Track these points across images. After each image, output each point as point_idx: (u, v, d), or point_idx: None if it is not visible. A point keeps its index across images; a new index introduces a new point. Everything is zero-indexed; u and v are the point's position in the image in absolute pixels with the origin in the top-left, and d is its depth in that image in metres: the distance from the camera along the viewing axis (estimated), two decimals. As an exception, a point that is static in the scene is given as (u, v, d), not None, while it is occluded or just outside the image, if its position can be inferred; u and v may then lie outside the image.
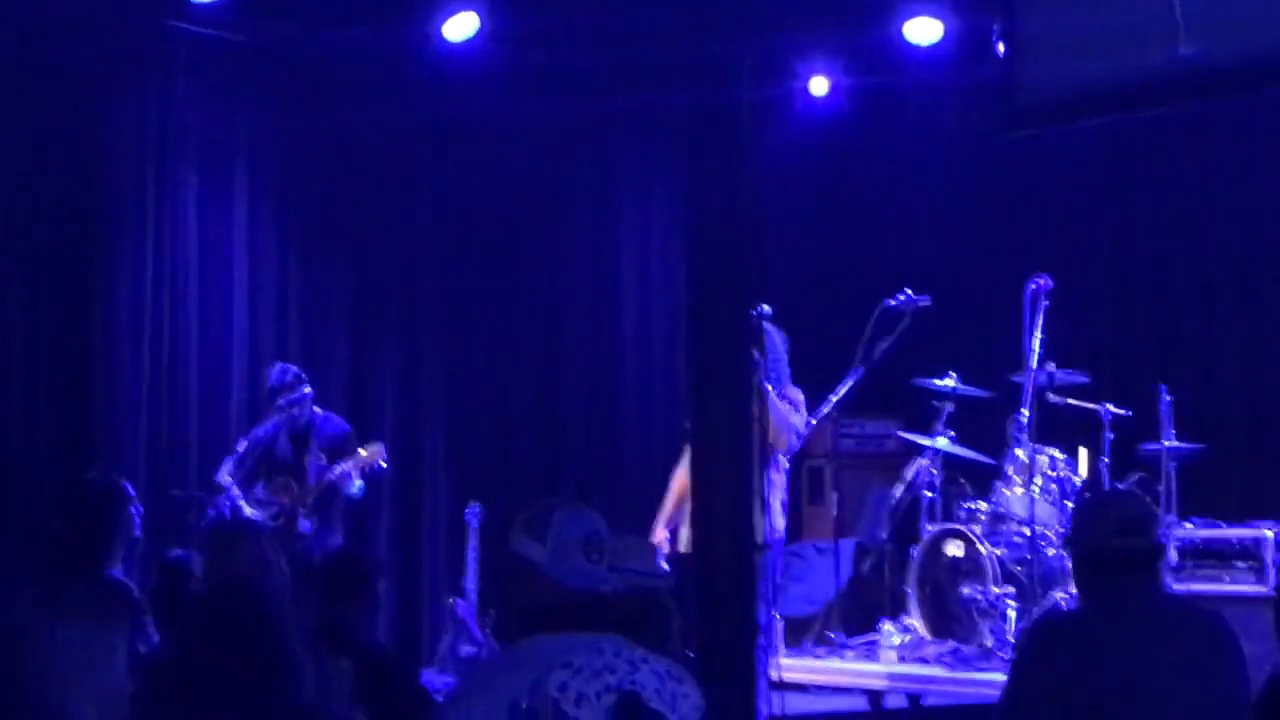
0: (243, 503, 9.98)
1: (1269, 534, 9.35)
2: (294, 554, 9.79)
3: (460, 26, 10.89)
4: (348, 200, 11.78)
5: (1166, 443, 9.64)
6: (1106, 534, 4.99)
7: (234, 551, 5.98)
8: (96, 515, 6.87)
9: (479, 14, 10.88)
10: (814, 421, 10.24)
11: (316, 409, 10.23)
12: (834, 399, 10.08)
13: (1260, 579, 9.27)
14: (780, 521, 8.99)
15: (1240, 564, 9.39)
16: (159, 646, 6.28)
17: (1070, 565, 5.40)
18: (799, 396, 9.16)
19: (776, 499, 8.96)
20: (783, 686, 8.90)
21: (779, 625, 9.59)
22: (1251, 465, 10.72)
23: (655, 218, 12.90)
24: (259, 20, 10.86)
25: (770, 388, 8.95)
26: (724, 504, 9.14)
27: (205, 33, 10.84)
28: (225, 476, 10.07)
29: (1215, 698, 4.88)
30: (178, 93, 11.05)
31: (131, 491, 7.14)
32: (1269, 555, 9.26)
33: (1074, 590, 9.35)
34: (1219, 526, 9.65)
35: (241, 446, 10.17)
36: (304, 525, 9.91)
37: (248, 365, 11.20)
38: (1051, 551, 9.63)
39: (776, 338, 9.26)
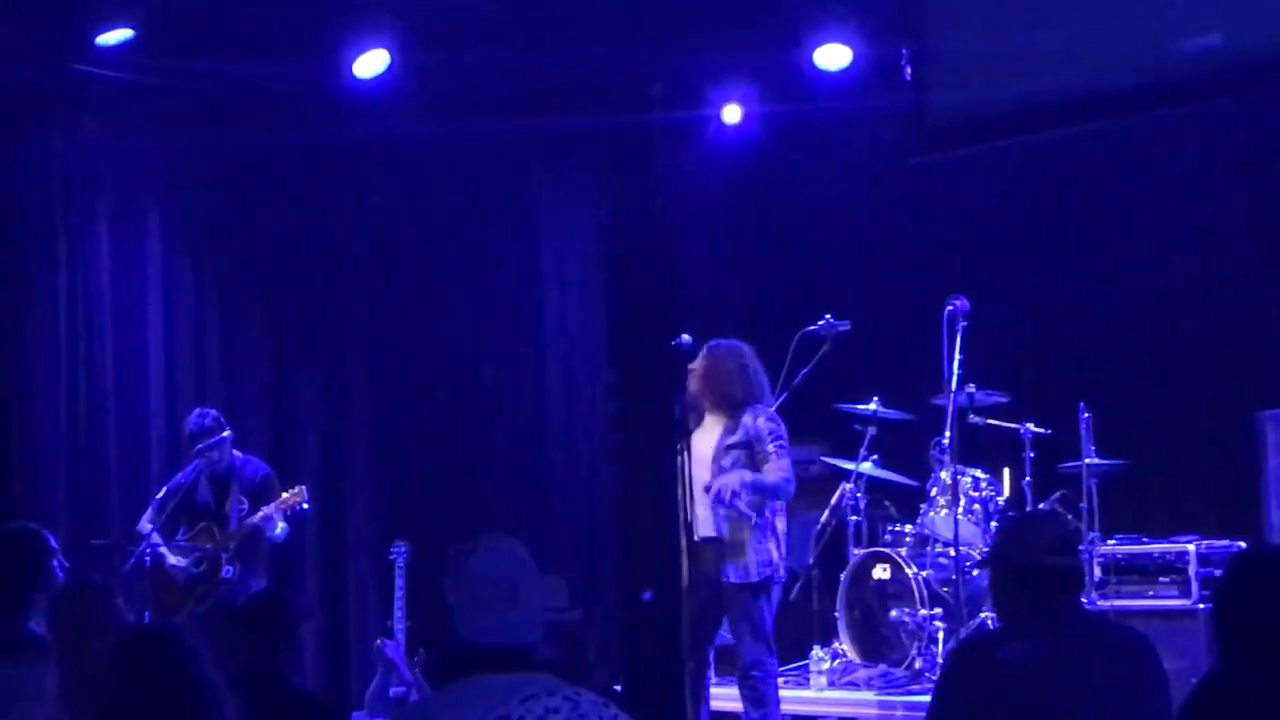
0: (164, 550, 9.89)
1: (1191, 548, 9.41)
2: (217, 600, 9.75)
3: (370, 64, 10.87)
4: (264, 238, 11.70)
5: (1087, 460, 9.69)
6: (1038, 553, 5.00)
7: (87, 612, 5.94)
8: (17, 568, 6.76)
9: (389, 51, 10.87)
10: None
11: (236, 452, 10.16)
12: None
13: (1184, 593, 9.33)
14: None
15: (1164, 579, 9.44)
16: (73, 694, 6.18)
17: (990, 584, 5.39)
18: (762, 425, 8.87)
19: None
20: (714, 717, 8.91)
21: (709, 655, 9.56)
22: (1172, 480, 10.78)
23: (576, 245, 12.87)
24: (165, 60, 10.77)
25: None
26: (648, 535, 9.13)
27: (111, 75, 10.76)
28: (146, 524, 9.99)
29: (1137, 714, 4.90)
30: (85, 135, 10.97)
31: (54, 544, 7.04)
32: (1192, 569, 9.31)
33: (994, 609, 9.43)
34: (1141, 542, 9.70)
35: (162, 493, 10.08)
36: (227, 571, 9.82)
37: (165, 408, 11.09)
38: (977, 572, 9.66)
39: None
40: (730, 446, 8.75)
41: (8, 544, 6.90)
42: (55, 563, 6.90)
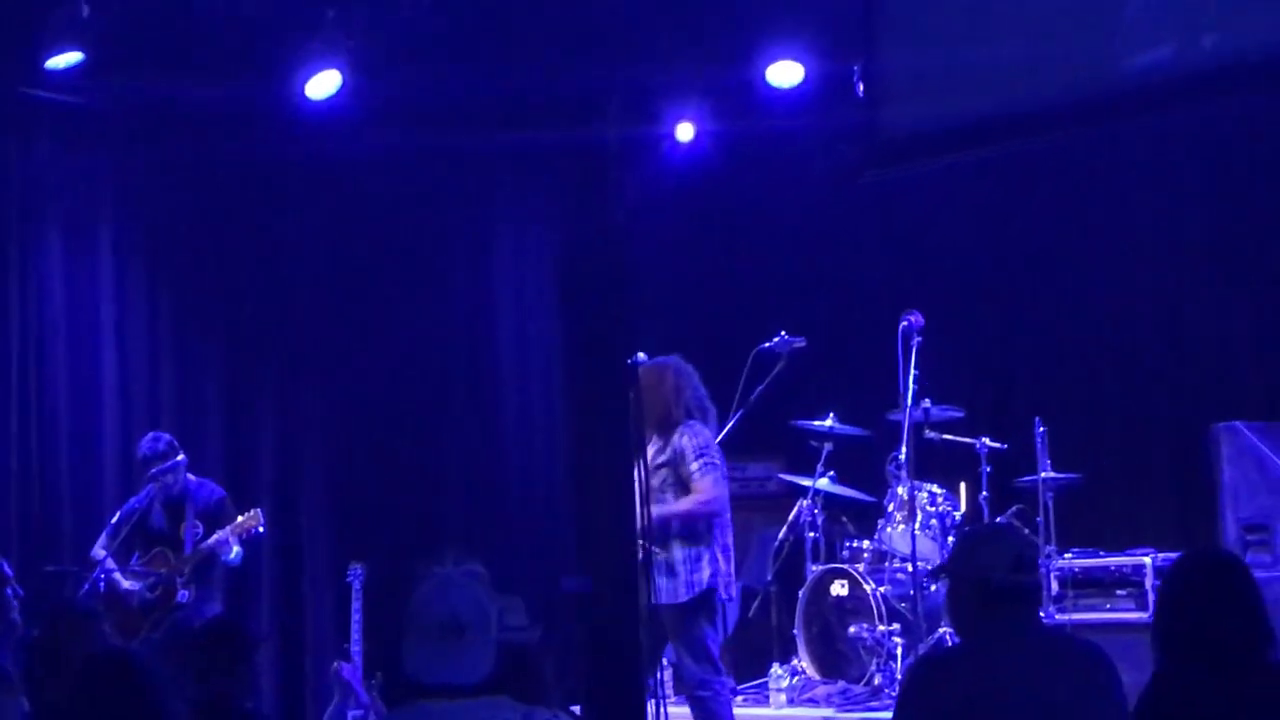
0: (119, 575, 9.83)
1: (1147, 560, 9.44)
2: (172, 624, 9.69)
3: (322, 85, 10.85)
4: (218, 259, 11.65)
5: (1043, 474, 9.71)
6: (997, 568, 5.00)
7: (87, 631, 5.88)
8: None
9: (341, 71, 10.84)
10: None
11: (191, 475, 10.11)
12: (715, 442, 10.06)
13: (1141, 606, 9.36)
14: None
15: (1121, 592, 9.47)
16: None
17: (948, 600, 5.38)
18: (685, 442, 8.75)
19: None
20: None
21: (667, 673, 9.54)
22: (1127, 493, 10.82)
23: (531, 262, 12.84)
24: (116, 82, 10.73)
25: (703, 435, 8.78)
26: (607, 553, 9.08)
27: (62, 98, 10.72)
28: (100, 550, 9.93)
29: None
30: (37, 158, 10.91)
31: (9, 572, 6.98)
32: (1148, 582, 9.34)
33: (950, 624, 9.43)
34: (1098, 555, 9.73)
35: (115, 518, 10.02)
36: (182, 595, 9.76)
37: (119, 432, 11.03)
38: (935, 587, 9.67)
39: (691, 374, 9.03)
40: (659, 466, 8.61)
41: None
42: (9, 590, 6.85)
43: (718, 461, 8.62)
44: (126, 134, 11.22)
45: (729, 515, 8.79)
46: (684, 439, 8.61)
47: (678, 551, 8.55)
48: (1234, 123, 10.59)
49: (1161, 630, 4.87)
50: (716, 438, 9.81)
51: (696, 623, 8.53)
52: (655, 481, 8.55)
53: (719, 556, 8.63)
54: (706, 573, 8.55)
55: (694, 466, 8.56)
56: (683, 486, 8.61)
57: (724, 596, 8.68)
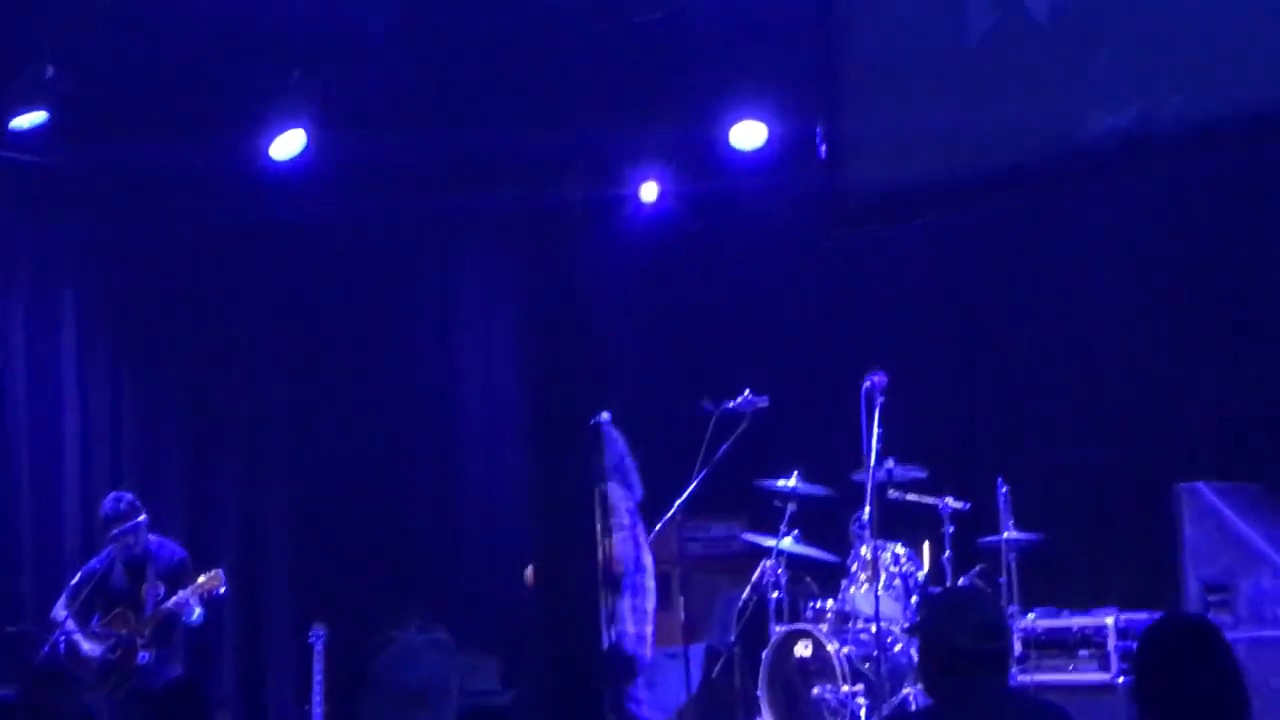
0: (79, 637, 9.77)
1: (1109, 621, 9.45)
2: (133, 686, 9.63)
3: (287, 145, 10.87)
4: (181, 319, 11.65)
5: (1006, 534, 9.72)
6: (963, 636, 5.00)
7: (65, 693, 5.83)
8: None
9: (305, 130, 10.87)
10: (659, 527, 10.26)
11: (152, 536, 10.06)
12: (678, 503, 10.07)
13: (1103, 667, 9.36)
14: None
15: (1084, 652, 9.47)
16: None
17: (917, 659, 5.39)
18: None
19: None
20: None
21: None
22: (1090, 554, 10.83)
23: (495, 324, 12.85)
24: (81, 144, 10.73)
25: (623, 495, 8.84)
26: (566, 613, 9.08)
27: (26, 159, 10.71)
28: (60, 610, 9.87)
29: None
30: (1, 219, 10.90)
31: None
32: (1111, 642, 9.35)
33: (921, 685, 9.41)
34: (1061, 616, 9.74)
35: (76, 578, 9.97)
36: (142, 656, 9.71)
37: (80, 493, 11.01)
38: (899, 647, 9.66)
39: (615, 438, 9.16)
40: None
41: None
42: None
43: (626, 522, 8.74)
44: (91, 195, 11.22)
45: (643, 577, 8.80)
46: (597, 501, 8.73)
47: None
48: (1196, 184, 10.67)
49: (1141, 697, 4.86)
50: (683, 496, 9.86)
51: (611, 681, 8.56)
52: None
53: (627, 616, 8.58)
54: (614, 630, 8.67)
55: (599, 527, 8.66)
56: None
57: (640, 657, 8.69)
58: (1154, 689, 4.82)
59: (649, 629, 8.84)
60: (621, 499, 8.76)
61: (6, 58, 10.14)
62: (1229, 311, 10.57)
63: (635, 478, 8.98)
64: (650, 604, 8.89)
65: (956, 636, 5.00)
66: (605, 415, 9.42)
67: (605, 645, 8.59)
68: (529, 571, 9.00)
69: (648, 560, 9.20)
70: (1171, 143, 10.62)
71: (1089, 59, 10.90)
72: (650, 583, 9.00)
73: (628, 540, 8.77)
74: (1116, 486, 10.88)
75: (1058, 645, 9.60)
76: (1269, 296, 10.41)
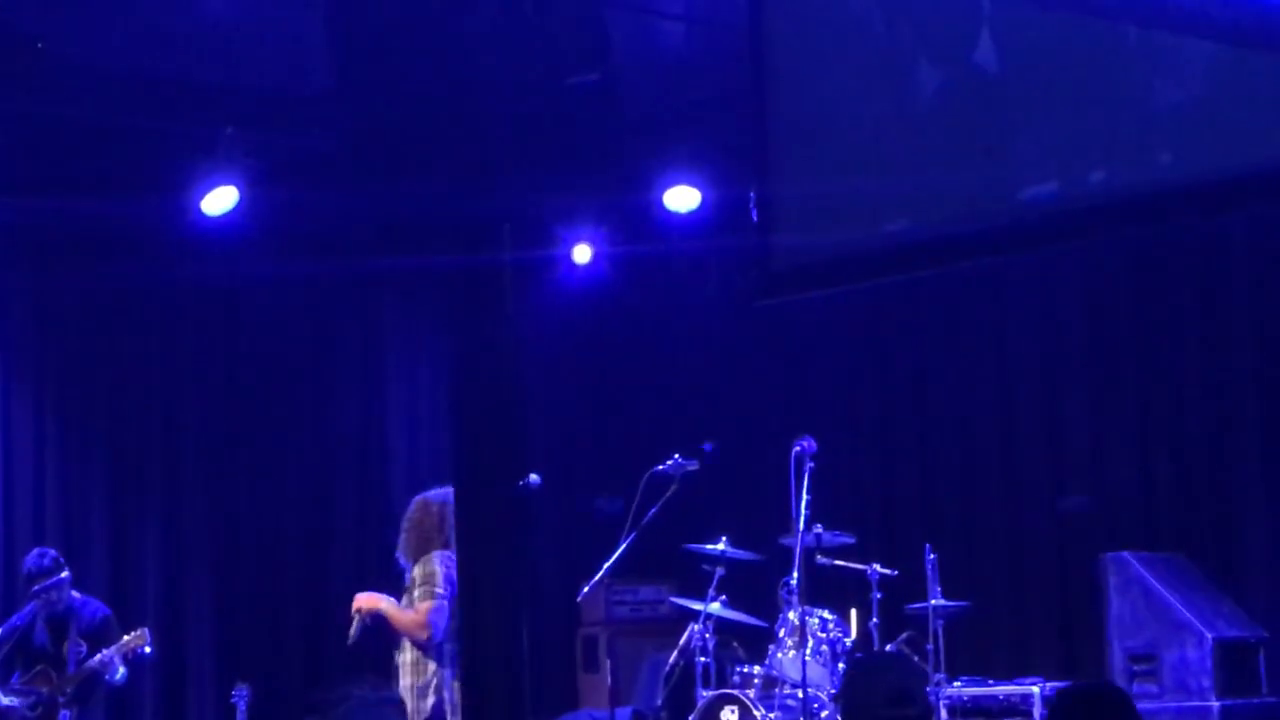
0: (-1, 694, 9.66)
1: (1035, 689, 9.47)
2: (52, 745, 9.52)
3: (219, 201, 10.84)
4: (105, 371, 11.59)
5: (933, 601, 9.74)
6: (876, 704, 5.01)
7: None
8: None
9: (238, 187, 10.84)
10: (586, 590, 10.24)
11: (75, 593, 9.97)
12: (607, 565, 10.05)
13: (1029, 735, 9.39)
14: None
15: (1008, 720, 9.51)
16: None
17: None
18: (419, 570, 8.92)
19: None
20: None
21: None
22: (1016, 622, 10.88)
23: (424, 384, 12.82)
24: (10, 193, 10.67)
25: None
26: (495, 680, 9.02)
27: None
28: (-20, 667, 9.76)
29: None
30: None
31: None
32: (1036, 711, 9.37)
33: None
34: (987, 684, 9.75)
35: (-4, 635, 9.87)
36: (63, 715, 9.62)
37: (2, 549, 10.88)
38: (825, 714, 9.64)
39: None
40: (406, 589, 8.94)
41: None
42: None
43: (442, 592, 8.74)
44: (17, 245, 11.14)
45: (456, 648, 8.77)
46: (422, 566, 8.85)
47: (405, 679, 8.74)
48: (1118, 255, 10.77)
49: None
50: (611, 559, 9.84)
51: None
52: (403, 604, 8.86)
53: (445, 685, 8.70)
54: (430, 701, 8.70)
55: (418, 592, 8.80)
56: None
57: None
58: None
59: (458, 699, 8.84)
60: (448, 568, 8.73)
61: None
62: (1150, 379, 10.65)
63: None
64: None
65: (870, 703, 5.02)
66: (534, 478, 9.39)
67: (428, 713, 8.66)
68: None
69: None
70: (1093, 214, 10.72)
71: (1020, 129, 11.00)
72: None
73: (442, 610, 8.76)
74: (1042, 554, 10.93)
75: (983, 713, 9.61)
76: (1189, 365, 10.52)
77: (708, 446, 9.79)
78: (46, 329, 11.37)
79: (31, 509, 11.18)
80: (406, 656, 8.80)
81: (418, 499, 9.06)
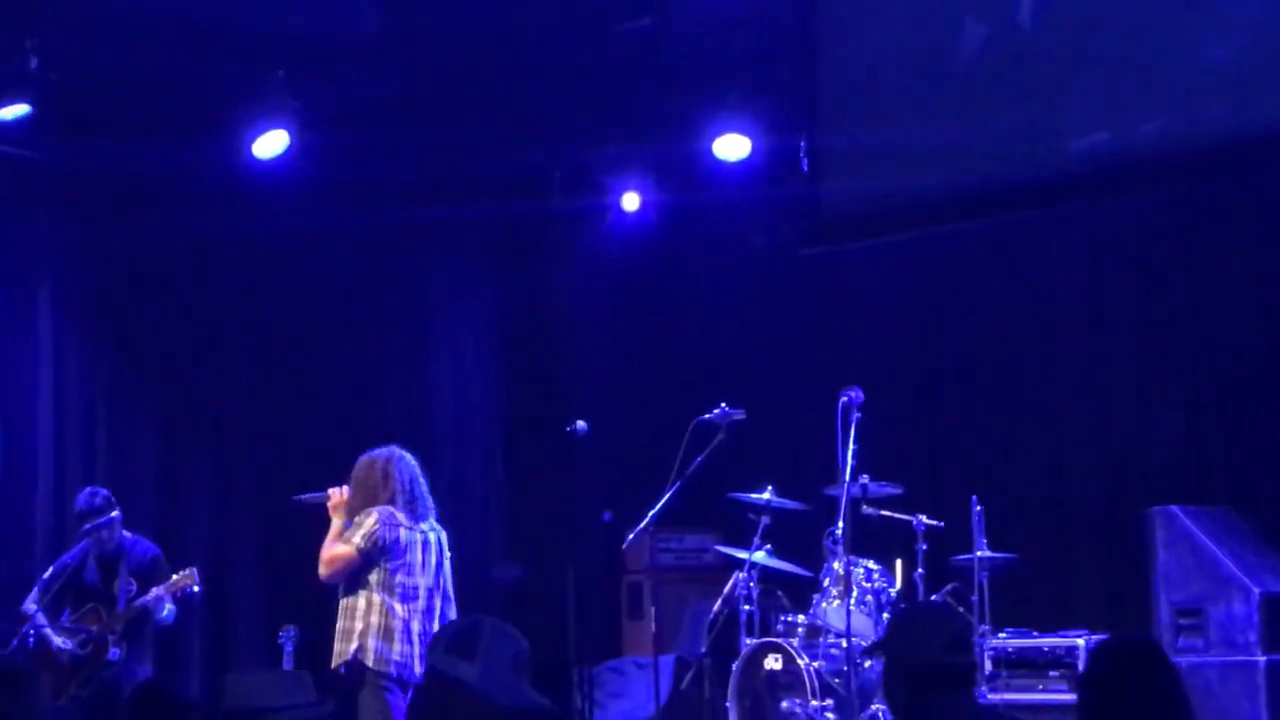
0: (49, 631, 9.73)
1: (1080, 642, 9.47)
2: (102, 682, 9.60)
3: (269, 144, 10.88)
4: (156, 316, 11.63)
5: (979, 553, 9.73)
6: (934, 649, 4.98)
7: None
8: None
9: (288, 131, 10.87)
10: (631, 537, 10.26)
11: (126, 532, 10.03)
12: (652, 513, 10.07)
13: (1073, 687, 9.35)
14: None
15: (1053, 673, 9.49)
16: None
17: (884, 679, 5.37)
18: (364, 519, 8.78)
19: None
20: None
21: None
22: (1062, 575, 10.86)
23: (470, 332, 12.85)
24: (63, 138, 10.72)
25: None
26: (542, 617, 9.07)
27: (8, 150, 10.69)
28: (31, 604, 9.84)
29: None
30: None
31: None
32: (1081, 663, 9.36)
33: (886, 704, 9.41)
34: (1032, 636, 9.75)
35: (48, 573, 9.94)
36: (113, 652, 9.68)
37: (54, 489, 10.97)
38: (868, 664, 9.66)
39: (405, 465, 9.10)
40: None
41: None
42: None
43: (362, 545, 8.62)
44: (71, 190, 11.20)
45: (388, 598, 8.68)
46: (361, 516, 8.73)
47: (340, 621, 8.67)
48: (1167, 208, 10.73)
49: (1085, 716, 4.85)
50: (656, 507, 9.86)
51: (359, 695, 8.54)
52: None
53: (371, 629, 8.59)
54: (352, 645, 8.56)
55: (345, 535, 8.70)
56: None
57: (392, 675, 8.58)
58: (1098, 709, 4.81)
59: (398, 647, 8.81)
60: (384, 526, 8.67)
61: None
62: (1199, 333, 10.61)
63: (424, 503, 8.97)
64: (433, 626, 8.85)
65: (926, 650, 4.98)
66: (580, 424, 9.43)
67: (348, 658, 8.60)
68: None
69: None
70: (1144, 166, 10.69)
71: (1069, 80, 10.96)
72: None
73: (349, 561, 8.64)
74: (1089, 507, 10.91)
75: (1028, 665, 9.62)
76: (1237, 318, 10.47)
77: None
78: (97, 272, 11.43)
79: (82, 450, 11.25)
80: (345, 600, 8.71)
81: (363, 458, 8.96)
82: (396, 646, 8.60)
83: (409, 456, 8.99)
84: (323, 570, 8.71)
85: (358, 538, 8.63)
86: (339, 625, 8.68)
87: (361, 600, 8.65)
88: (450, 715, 4.39)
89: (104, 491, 10.02)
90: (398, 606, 8.64)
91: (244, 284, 11.94)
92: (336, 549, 8.68)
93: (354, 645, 8.56)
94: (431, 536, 8.88)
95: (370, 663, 8.53)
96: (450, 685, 4.40)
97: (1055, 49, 11.01)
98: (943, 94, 11.42)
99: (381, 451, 8.97)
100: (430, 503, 8.97)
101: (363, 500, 8.85)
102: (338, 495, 8.92)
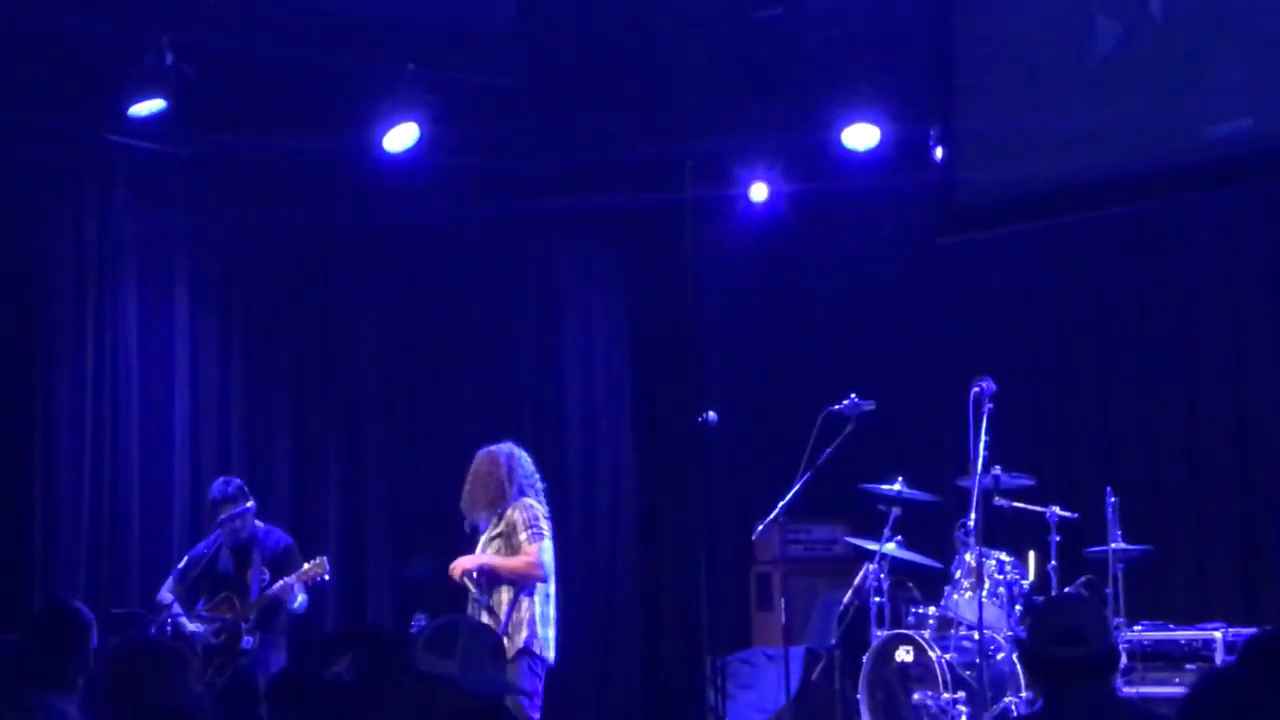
0: (184, 620, 9.85)
1: (1218, 635, 9.33)
2: (236, 670, 9.71)
3: (400, 137, 10.97)
4: (290, 308, 11.74)
5: (1113, 545, 9.62)
6: (1046, 643, 5.00)
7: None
8: (53, 644, 6.63)
9: (419, 124, 10.94)
10: (761, 528, 10.23)
11: (259, 522, 10.13)
12: (781, 504, 10.04)
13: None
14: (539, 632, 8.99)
15: (1190, 666, 9.36)
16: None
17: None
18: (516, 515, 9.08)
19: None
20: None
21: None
22: (1197, 566, 10.70)
23: (600, 322, 12.87)
24: (198, 132, 10.85)
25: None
26: (672, 607, 9.09)
27: (143, 145, 10.84)
28: (166, 594, 9.97)
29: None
30: (117, 205, 11.03)
31: (91, 617, 6.93)
32: (1219, 657, 9.23)
33: (1025, 694, 9.35)
34: (1167, 628, 9.63)
35: (183, 562, 10.06)
36: (246, 641, 9.78)
37: (189, 479, 11.10)
38: (1001, 656, 9.59)
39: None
40: (494, 538, 9.10)
41: (49, 623, 6.79)
42: (95, 638, 6.81)
43: (545, 531, 9.04)
44: (206, 184, 11.33)
45: (556, 585, 9.11)
46: (515, 513, 9.06)
47: (482, 614, 8.88)
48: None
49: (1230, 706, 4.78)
50: (786, 498, 9.85)
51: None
52: (489, 551, 9.08)
53: (528, 623, 8.92)
54: (524, 634, 8.89)
55: (523, 536, 8.99)
56: (515, 554, 9.04)
57: (544, 661, 8.95)
58: (1249, 701, 4.73)
59: (553, 633, 9.09)
60: (540, 512, 9.08)
61: (127, 45, 10.26)
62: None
63: (542, 494, 9.20)
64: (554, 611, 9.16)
65: (1038, 644, 5.01)
66: (711, 415, 9.42)
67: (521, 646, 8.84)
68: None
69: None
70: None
71: (1208, 68, 10.79)
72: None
73: (549, 550, 9.07)
74: (1226, 498, 10.74)
75: (1164, 658, 9.49)
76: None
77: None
78: (233, 264, 11.56)
79: (217, 441, 11.38)
80: (503, 597, 8.97)
81: (482, 453, 9.28)
82: (551, 632, 9.05)
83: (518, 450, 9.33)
84: (539, 573, 8.99)
85: (542, 527, 9.01)
86: (504, 621, 8.86)
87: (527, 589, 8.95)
88: (436, 709, 4.59)
89: (238, 481, 10.13)
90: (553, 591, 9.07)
91: (376, 276, 12.02)
92: (534, 546, 8.96)
93: (525, 634, 8.86)
94: None
95: (538, 650, 8.88)
96: (434, 682, 4.65)
97: (1191, 38, 10.84)
98: (1077, 82, 11.28)
99: (497, 448, 9.28)
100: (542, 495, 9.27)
101: (493, 493, 9.12)
102: (459, 566, 9.12)
